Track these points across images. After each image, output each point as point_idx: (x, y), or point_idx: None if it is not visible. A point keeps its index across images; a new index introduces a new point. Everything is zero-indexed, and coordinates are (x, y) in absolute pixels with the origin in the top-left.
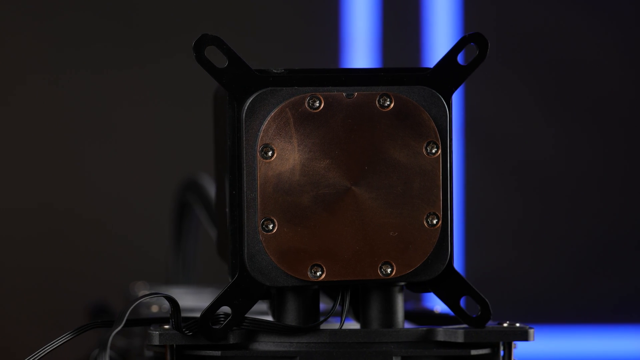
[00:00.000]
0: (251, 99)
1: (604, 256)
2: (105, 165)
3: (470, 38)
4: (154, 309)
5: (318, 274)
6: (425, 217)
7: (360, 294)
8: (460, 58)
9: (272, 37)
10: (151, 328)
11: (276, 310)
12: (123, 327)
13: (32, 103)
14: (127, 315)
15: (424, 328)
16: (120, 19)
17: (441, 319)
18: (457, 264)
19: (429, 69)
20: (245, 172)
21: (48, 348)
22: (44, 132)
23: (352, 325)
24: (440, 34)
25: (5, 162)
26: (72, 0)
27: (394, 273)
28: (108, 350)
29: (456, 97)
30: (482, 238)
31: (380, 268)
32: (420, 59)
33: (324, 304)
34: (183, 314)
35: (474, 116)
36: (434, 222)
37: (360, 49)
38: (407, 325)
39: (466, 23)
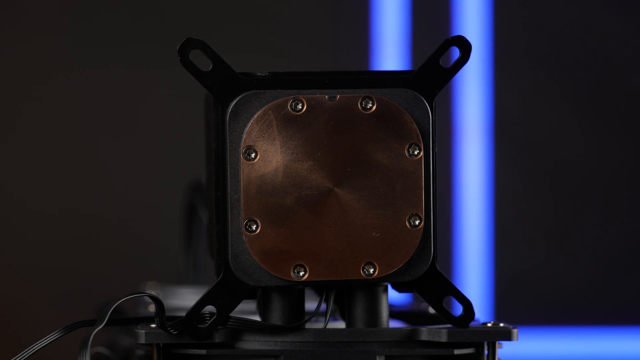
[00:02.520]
0: (235, 101)
1: (636, 257)
2: (118, 168)
3: (453, 41)
4: (152, 308)
5: (301, 274)
6: (407, 218)
7: (345, 294)
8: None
9: (302, 38)
10: (138, 327)
11: (262, 309)
12: (111, 326)
13: (49, 104)
14: (108, 314)
15: (408, 327)
16: (150, 19)
17: (435, 319)
18: (488, 265)
19: (412, 71)
20: (229, 173)
21: (37, 346)
22: (51, 134)
23: (339, 324)
24: (471, 34)
25: (17, 163)
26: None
27: (376, 273)
28: (89, 349)
29: (486, 98)
30: (513, 239)
31: (363, 268)
32: (450, 60)
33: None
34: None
35: (505, 117)
36: (417, 223)
37: (390, 50)
38: (396, 325)
39: (496, 24)
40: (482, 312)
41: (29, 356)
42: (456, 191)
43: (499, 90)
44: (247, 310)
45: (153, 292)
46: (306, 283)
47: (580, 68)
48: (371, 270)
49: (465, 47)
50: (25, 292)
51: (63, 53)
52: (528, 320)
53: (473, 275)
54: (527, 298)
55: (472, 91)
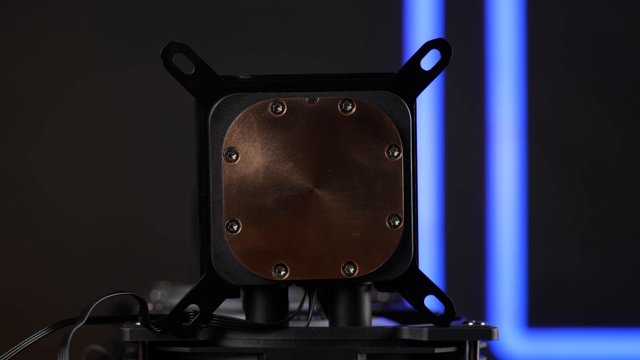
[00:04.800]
0: (217, 104)
1: None
2: (136, 168)
3: (434, 44)
4: (150, 306)
5: (282, 273)
6: (387, 218)
7: (328, 293)
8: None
9: (336, 38)
10: (124, 325)
11: (246, 308)
12: (95, 324)
13: (73, 105)
14: (89, 312)
15: (390, 326)
16: (184, 19)
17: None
18: (521, 265)
19: (393, 74)
20: (211, 175)
21: (25, 343)
22: (67, 135)
23: (324, 323)
24: (505, 35)
25: (37, 165)
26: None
27: (356, 273)
28: (68, 346)
29: (520, 99)
30: (547, 240)
31: (343, 268)
32: (484, 60)
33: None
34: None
35: (539, 118)
36: (396, 223)
37: None
38: (381, 323)
39: (530, 24)
40: (515, 313)
41: (17, 353)
42: (490, 192)
43: (533, 91)
44: (235, 309)
45: (159, 292)
46: (287, 282)
47: (614, 68)
48: (351, 270)
49: (445, 49)
50: (44, 290)
51: (99, 53)
52: (562, 322)
53: (507, 276)
54: (561, 299)
55: (506, 92)
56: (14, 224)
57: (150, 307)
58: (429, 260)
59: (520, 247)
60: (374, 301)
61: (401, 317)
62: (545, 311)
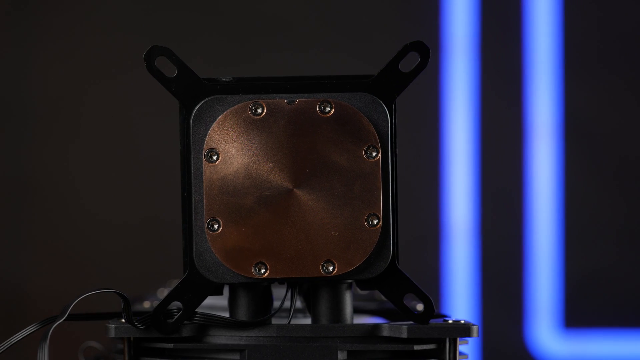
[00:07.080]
0: (198, 106)
1: None
2: (168, 168)
3: (412, 46)
4: (146, 304)
5: (262, 271)
6: (365, 217)
7: (310, 291)
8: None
9: (372, 38)
10: (109, 322)
11: (230, 305)
12: (79, 320)
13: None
14: (70, 309)
15: (371, 323)
16: (219, 15)
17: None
18: (558, 265)
19: (372, 75)
20: (193, 175)
21: (14, 339)
22: (88, 137)
23: (306, 320)
24: (542, 34)
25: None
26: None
27: (335, 271)
28: (47, 342)
29: (557, 98)
30: (584, 239)
31: (323, 266)
32: (521, 59)
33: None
34: (216, 312)
35: (575, 116)
36: (375, 222)
37: (460, 50)
38: (373, 322)
39: (567, 23)
40: (552, 313)
41: (7, 348)
42: (527, 191)
43: (570, 90)
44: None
45: (166, 290)
46: (267, 280)
47: None
48: (330, 268)
49: (424, 52)
50: (81, 291)
51: (134, 52)
52: (599, 322)
53: (544, 276)
54: (599, 299)
55: (544, 91)
56: (53, 226)
57: (147, 304)
58: (465, 259)
59: (557, 247)
60: (374, 300)
61: (399, 315)
62: (582, 311)
